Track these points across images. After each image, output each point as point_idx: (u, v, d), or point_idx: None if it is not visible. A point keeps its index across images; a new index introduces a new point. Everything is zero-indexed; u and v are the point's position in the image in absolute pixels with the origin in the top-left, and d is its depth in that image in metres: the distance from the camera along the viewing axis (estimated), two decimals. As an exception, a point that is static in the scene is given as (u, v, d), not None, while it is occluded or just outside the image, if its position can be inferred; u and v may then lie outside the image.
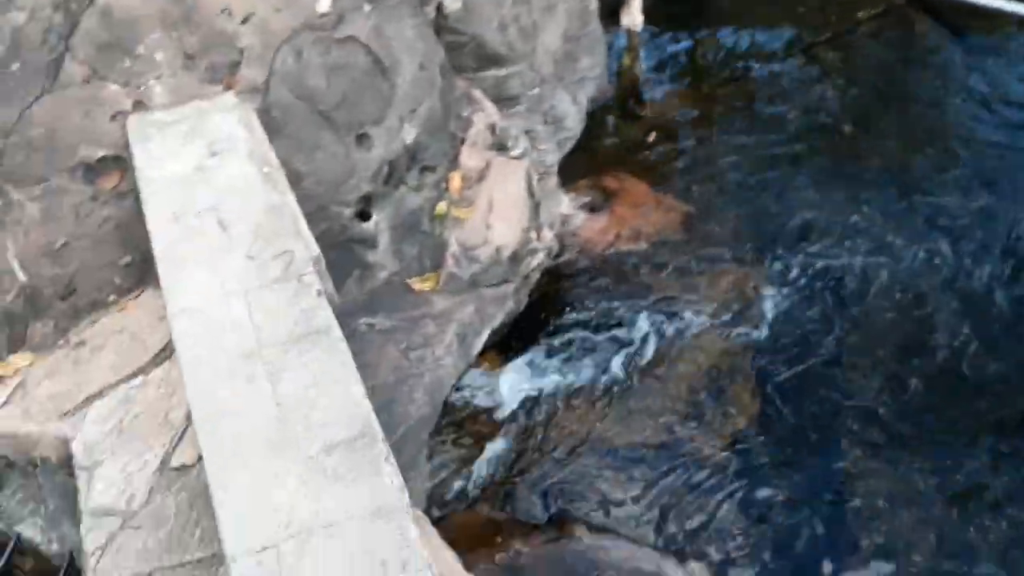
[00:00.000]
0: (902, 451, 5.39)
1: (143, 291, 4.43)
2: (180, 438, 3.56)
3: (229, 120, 4.49)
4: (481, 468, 5.47)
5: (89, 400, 3.83)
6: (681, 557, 4.81)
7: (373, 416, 3.07)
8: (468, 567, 4.78)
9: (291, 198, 4.02)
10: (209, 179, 4.08)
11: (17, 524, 3.75)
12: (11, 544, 3.69)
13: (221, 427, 2.99)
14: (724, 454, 5.42)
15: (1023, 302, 6.09)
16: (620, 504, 5.14)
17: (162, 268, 3.64)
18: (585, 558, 4.58)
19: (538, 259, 5.77)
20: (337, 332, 3.32)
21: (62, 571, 3.64)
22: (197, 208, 3.92)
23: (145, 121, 4.54)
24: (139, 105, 4.70)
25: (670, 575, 4.48)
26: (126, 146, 4.51)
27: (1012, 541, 5.00)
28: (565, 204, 6.21)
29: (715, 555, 4.96)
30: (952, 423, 5.49)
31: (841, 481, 5.32)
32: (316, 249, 3.78)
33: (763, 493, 5.25)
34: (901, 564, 4.94)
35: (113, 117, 4.65)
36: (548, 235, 5.84)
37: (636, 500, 5.18)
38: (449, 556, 3.56)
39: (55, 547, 3.73)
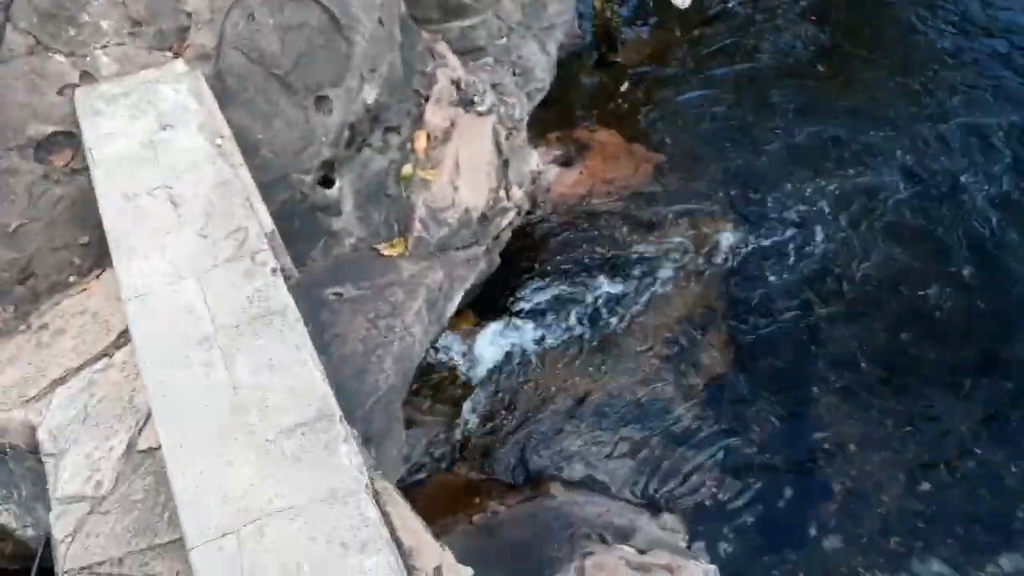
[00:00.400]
0: (873, 395, 5.47)
1: (104, 271, 4.36)
2: (145, 421, 3.54)
3: (179, 90, 4.36)
4: (458, 430, 5.53)
5: (53, 385, 3.80)
6: (654, 510, 4.91)
7: (331, 398, 3.06)
8: (447, 529, 4.87)
9: (244, 171, 3.93)
10: (160, 155, 3.98)
11: (-7, 509, 3.76)
12: (-15, 531, 3.70)
13: (178, 415, 2.99)
14: (697, 405, 5.49)
15: (996, 244, 6.11)
16: (595, 460, 5.22)
17: (115, 252, 3.58)
18: (559, 515, 4.67)
19: (508, 218, 5.71)
20: (293, 312, 3.28)
21: (38, 554, 3.66)
22: (148, 186, 3.83)
23: (93, 94, 4.40)
24: (86, 77, 4.55)
25: (643, 527, 4.57)
26: (76, 121, 4.38)
27: (980, 479, 5.12)
28: (535, 160, 6.10)
29: (688, 505, 5.06)
30: (923, 366, 5.56)
31: (813, 427, 5.40)
32: (270, 224, 3.71)
33: (736, 442, 5.34)
34: (872, 505, 5.07)
35: (60, 91, 4.50)
36: (518, 193, 5.76)
37: (610, 455, 5.25)
38: (418, 525, 3.59)
39: (30, 532, 3.74)
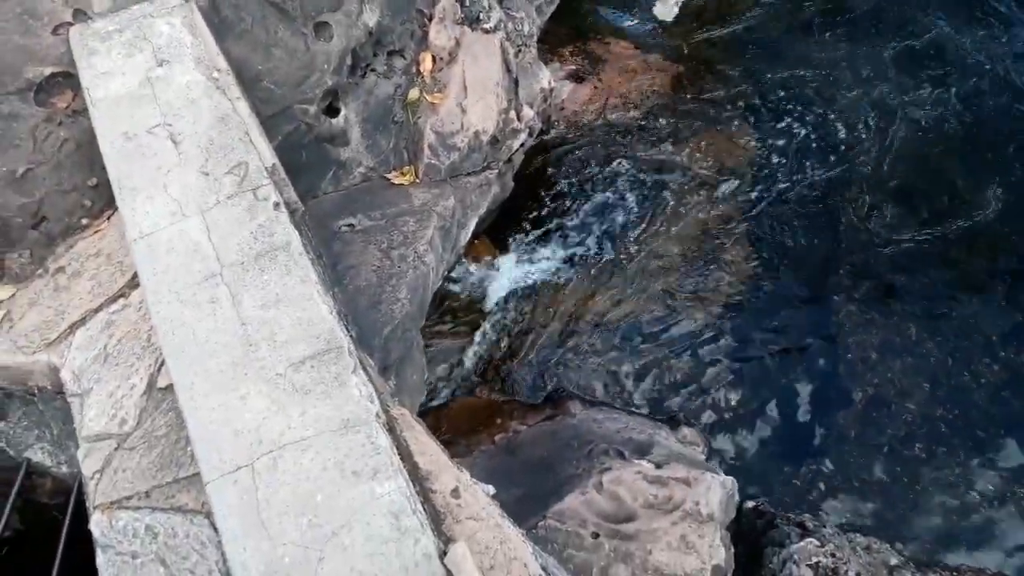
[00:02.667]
0: (896, 303, 5.37)
1: (115, 211, 4.37)
2: (164, 359, 3.61)
3: (174, 24, 4.25)
4: (478, 354, 5.57)
5: (73, 328, 3.87)
6: (673, 424, 4.94)
7: (339, 330, 3.07)
8: (470, 450, 4.98)
9: (242, 105, 3.86)
10: (158, 92, 3.92)
11: (26, 450, 3.90)
12: (22, 469, 3.85)
13: (188, 353, 3.03)
14: (717, 319, 5.45)
15: (1015, 146, 5.84)
16: (613, 378, 5.25)
17: (119, 193, 3.57)
18: (578, 432, 4.72)
19: (520, 140, 5.58)
20: (297, 246, 3.27)
21: (75, 489, 3.82)
22: (148, 125, 3.79)
23: (87, 32, 4.32)
24: (79, 15, 4.46)
25: (662, 441, 4.61)
26: (74, 61, 4.32)
27: (1004, 383, 5.05)
28: (547, 77, 5.90)
29: (707, 419, 5.09)
30: (949, 272, 5.42)
31: (835, 337, 5.34)
32: (271, 158, 3.66)
33: (756, 354, 5.31)
34: (894, 413, 5.05)
35: (55, 31, 4.42)
36: (529, 113, 5.60)
37: (629, 373, 5.27)
38: (435, 449, 3.66)
39: (65, 468, 3.90)
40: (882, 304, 5.33)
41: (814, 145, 6.10)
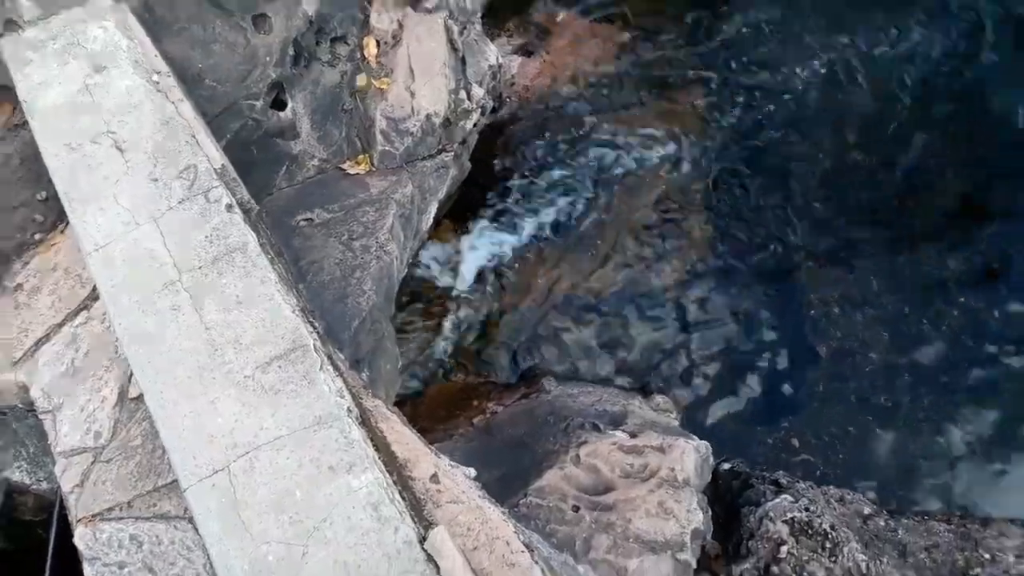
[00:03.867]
0: (856, 257, 5.49)
1: (68, 223, 4.29)
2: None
3: (107, 28, 4.16)
4: (450, 339, 5.60)
5: (38, 344, 3.82)
6: (646, 393, 5.02)
7: (303, 328, 3.07)
8: (448, 434, 5.02)
9: (186, 107, 3.80)
10: (98, 100, 3.84)
11: (4, 470, 3.86)
12: (2, 489, 3.82)
13: (154, 362, 3.01)
14: (681, 286, 5.53)
15: (969, 93, 5.96)
16: (584, 352, 5.31)
17: (68, 206, 3.51)
18: (554, 408, 4.79)
19: (473, 120, 5.56)
20: (254, 247, 3.25)
21: (56, 504, 3.79)
22: (91, 134, 3.72)
23: (20, 43, 4.21)
24: (10, 25, 4.34)
25: (635, 411, 4.69)
26: (8, 74, 4.21)
27: (963, 327, 5.21)
28: (493, 54, 5.87)
29: (679, 385, 5.19)
30: (906, 224, 5.55)
31: (798, 295, 5.45)
32: (219, 159, 3.62)
33: (721, 317, 5.40)
34: (859, 364, 5.18)
35: (-13, 43, 4.30)
36: (479, 92, 5.58)
37: (600, 345, 5.34)
38: (412, 437, 3.69)
39: (44, 485, 3.86)
40: (840, 259, 5.46)
41: (767, 107, 6.17)
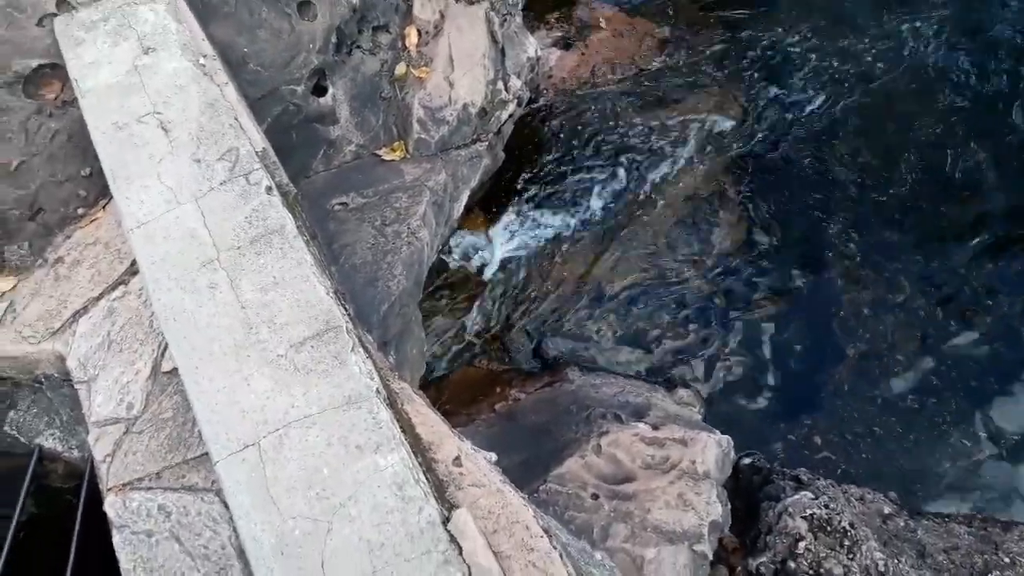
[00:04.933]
0: (888, 259, 5.44)
1: (109, 200, 4.41)
2: (167, 343, 3.69)
3: (157, 10, 4.26)
4: (476, 325, 5.66)
5: (76, 316, 3.94)
6: (669, 386, 5.04)
7: (336, 309, 3.14)
8: (471, 419, 5.08)
9: (230, 90, 3.89)
10: (146, 81, 3.94)
11: (37, 437, 3.99)
12: (34, 455, 3.95)
13: (190, 338, 3.10)
14: (711, 281, 5.53)
15: (1003, 100, 5.85)
16: (611, 343, 5.33)
17: (113, 183, 3.62)
18: (577, 398, 4.82)
19: (509, 111, 5.59)
20: (292, 229, 3.33)
21: (87, 472, 3.92)
22: (138, 114, 3.82)
23: (72, 23, 4.33)
24: (63, 5, 4.46)
25: (658, 403, 4.71)
26: (60, 52, 4.33)
27: (994, 332, 5.15)
28: (533, 46, 5.89)
29: (704, 379, 5.19)
30: (936, 226, 5.49)
31: (827, 296, 5.42)
32: (260, 142, 3.70)
33: (750, 314, 5.39)
34: (886, 366, 5.15)
35: (39, 22, 4.43)
36: (517, 84, 5.61)
37: (626, 337, 5.35)
38: (436, 420, 3.76)
39: (76, 453, 3.99)
40: (873, 261, 5.41)
41: (804, 103, 6.12)
